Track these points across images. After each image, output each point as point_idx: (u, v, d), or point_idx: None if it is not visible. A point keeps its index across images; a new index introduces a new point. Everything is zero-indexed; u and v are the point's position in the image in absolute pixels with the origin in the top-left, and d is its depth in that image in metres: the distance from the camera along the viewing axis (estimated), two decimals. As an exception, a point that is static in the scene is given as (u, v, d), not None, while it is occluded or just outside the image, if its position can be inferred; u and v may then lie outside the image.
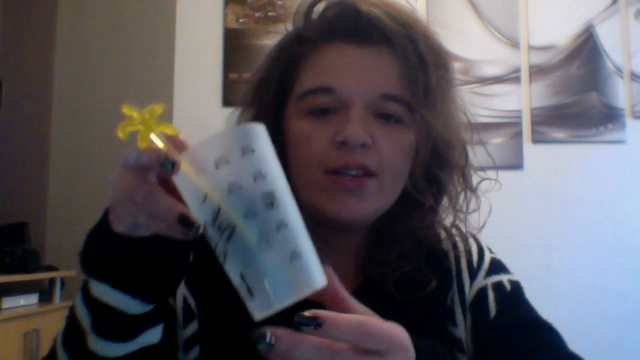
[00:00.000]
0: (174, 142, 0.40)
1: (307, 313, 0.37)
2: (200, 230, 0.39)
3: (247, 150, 0.40)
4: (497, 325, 0.62)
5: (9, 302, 1.79)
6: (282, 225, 0.40)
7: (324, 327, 0.36)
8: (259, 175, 0.40)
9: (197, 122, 2.25)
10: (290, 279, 0.39)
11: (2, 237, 2.07)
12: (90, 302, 0.46)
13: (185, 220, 0.38)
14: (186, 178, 0.39)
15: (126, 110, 0.41)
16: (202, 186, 0.39)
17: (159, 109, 0.41)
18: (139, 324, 0.46)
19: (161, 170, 0.38)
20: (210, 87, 2.29)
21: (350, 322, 0.37)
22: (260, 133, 0.42)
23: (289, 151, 0.61)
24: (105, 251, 0.44)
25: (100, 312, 0.45)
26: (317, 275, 0.40)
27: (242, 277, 0.39)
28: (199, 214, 0.39)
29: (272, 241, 0.39)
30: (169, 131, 0.41)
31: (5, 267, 1.92)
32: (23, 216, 2.17)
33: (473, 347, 0.63)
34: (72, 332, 0.48)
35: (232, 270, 0.39)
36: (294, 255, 0.40)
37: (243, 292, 0.39)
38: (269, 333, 0.36)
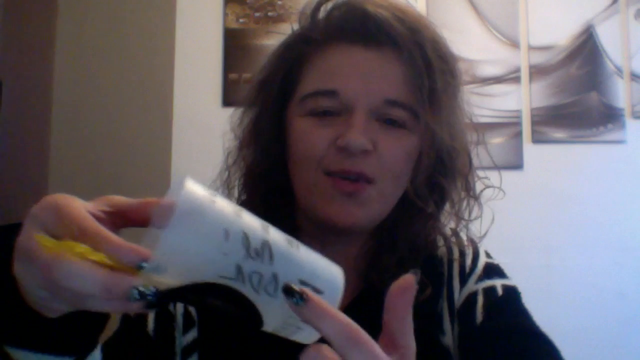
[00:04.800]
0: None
1: (297, 287, 0.34)
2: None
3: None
4: (483, 331, 0.60)
5: None
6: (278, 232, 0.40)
7: (306, 307, 0.33)
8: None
9: (197, 122, 2.25)
10: (329, 263, 0.39)
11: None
12: None
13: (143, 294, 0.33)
14: (188, 238, 0.34)
15: (44, 241, 0.34)
16: (216, 226, 0.35)
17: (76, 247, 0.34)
18: None
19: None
20: (210, 87, 2.29)
21: (340, 319, 0.34)
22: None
23: (290, 150, 0.61)
24: (18, 321, 0.38)
25: None
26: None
27: (303, 282, 0.37)
28: (226, 259, 0.35)
29: (293, 239, 0.39)
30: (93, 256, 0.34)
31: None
32: (23, 216, 2.16)
33: (459, 355, 0.61)
34: None
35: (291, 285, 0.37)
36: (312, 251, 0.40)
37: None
38: (306, 294, 0.34)
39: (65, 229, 0.35)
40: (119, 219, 0.38)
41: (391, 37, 0.58)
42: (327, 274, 0.39)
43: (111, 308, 0.35)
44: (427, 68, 0.58)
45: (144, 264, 0.33)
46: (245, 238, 0.35)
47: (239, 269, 0.35)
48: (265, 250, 0.36)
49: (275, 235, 0.37)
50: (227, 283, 0.35)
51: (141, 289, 0.33)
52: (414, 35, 0.58)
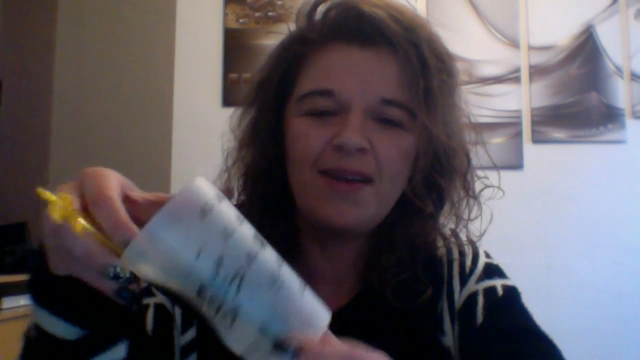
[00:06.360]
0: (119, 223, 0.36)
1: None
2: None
3: (220, 197, 0.37)
4: (484, 331, 0.60)
5: (9, 302, 1.78)
6: (279, 261, 0.38)
7: (302, 355, 0.35)
8: (239, 219, 0.37)
9: (197, 122, 2.25)
10: (311, 311, 0.38)
11: (2, 237, 2.07)
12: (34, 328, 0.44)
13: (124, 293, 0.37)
14: (163, 240, 0.34)
15: (43, 195, 0.36)
16: (193, 241, 0.35)
17: (67, 197, 0.37)
18: (84, 349, 0.43)
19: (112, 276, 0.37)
20: (210, 87, 2.29)
21: (336, 351, 0.36)
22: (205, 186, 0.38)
23: (288, 151, 0.61)
24: (45, 282, 0.42)
25: (39, 338, 0.43)
26: (322, 303, 0.39)
27: (264, 329, 0.36)
28: (191, 276, 0.35)
29: (282, 279, 0.37)
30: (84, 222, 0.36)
31: (5, 267, 1.92)
32: (23, 216, 2.17)
33: (460, 356, 0.61)
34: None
35: (249, 326, 0.36)
36: (303, 287, 0.38)
37: (265, 347, 0.36)
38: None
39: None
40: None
41: (386, 37, 0.58)
42: (305, 321, 0.37)
43: (88, 277, 0.37)
44: (423, 67, 0.58)
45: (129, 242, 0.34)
46: (219, 262, 0.35)
47: (202, 289, 0.35)
48: (234, 281, 0.35)
49: (259, 268, 0.36)
50: (188, 296, 0.35)
51: (118, 269, 0.35)
52: (409, 34, 0.58)
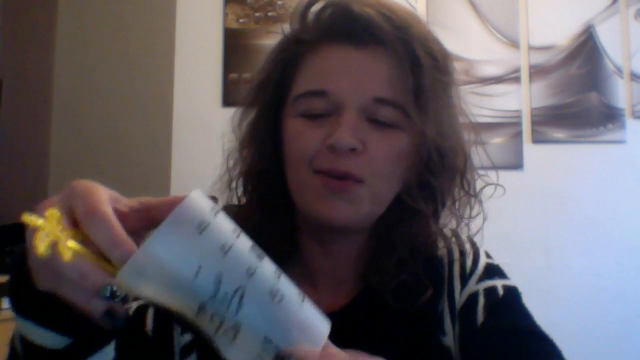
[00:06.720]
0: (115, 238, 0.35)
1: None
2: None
3: (215, 210, 0.36)
4: (484, 331, 0.60)
5: (9, 302, 1.79)
6: (278, 273, 0.38)
7: None
8: (235, 232, 0.37)
9: (197, 122, 2.25)
10: (311, 321, 0.38)
11: (2, 237, 2.07)
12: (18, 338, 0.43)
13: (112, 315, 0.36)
14: (162, 258, 0.34)
15: (28, 220, 0.35)
16: (191, 259, 0.34)
17: (54, 213, 0.36)
18: (74, 355, 0.42)
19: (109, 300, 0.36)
20: (210, 87, 2.29)
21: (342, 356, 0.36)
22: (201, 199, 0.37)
23: (285, 151, 0.61)
24: (28, 294, 0.40)
25: (26, 349, 0.42)
26: (321, 312, 0.39)
27: (268, 340, 0.36)
28: (191, 294, 0.35)
29: (282, 291, 0.37)
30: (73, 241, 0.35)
31: (5, 267, 1.92)
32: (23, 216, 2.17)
33: (460, 355, 0.61)
34: None
35: (251, 341, 0.36)
36: (302, 297, 0.38)
37: (269, 357, 0.36)
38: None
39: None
40: (147, 217, 0.38)
41: (376, 36, 0.58)
42: (306, 332, 0.37)
43: (77, 298, 0.36)
44: (414, 65, 0.58)
45: (127, 261, 0.33)
46: (219, 279, 0.34)
47: (201, 307, 0.35)
48: (235, 297, 0.35)
49: (259, 283, 0.36)
50: (187, 314, 0.35)
51: (114, 288, 0.35)
52: (400, 33, 0.58)
